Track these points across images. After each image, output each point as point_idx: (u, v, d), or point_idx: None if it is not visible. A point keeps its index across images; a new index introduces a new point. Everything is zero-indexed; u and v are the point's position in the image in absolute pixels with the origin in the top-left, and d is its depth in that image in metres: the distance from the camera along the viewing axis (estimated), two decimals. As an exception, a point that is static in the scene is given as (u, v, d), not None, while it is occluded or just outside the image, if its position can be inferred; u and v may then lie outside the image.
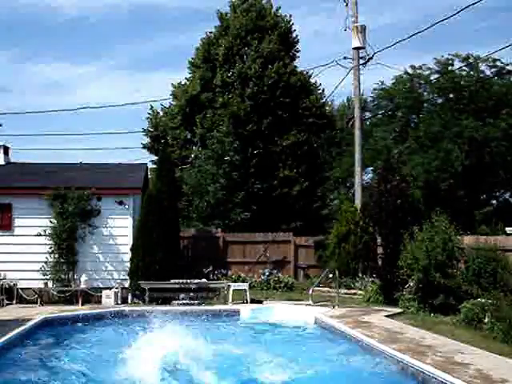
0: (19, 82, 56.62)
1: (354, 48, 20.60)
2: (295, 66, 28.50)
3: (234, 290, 15.50)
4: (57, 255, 16.09)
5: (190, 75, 29.45)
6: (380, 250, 16.51)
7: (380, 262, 16.17)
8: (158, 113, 29.99)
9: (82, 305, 15.11)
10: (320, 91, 29.87)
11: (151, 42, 54.54)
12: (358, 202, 19.94)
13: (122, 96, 51.40)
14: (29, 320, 11.88)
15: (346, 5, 20.89)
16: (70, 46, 53.24)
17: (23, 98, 53.66)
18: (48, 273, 16.00)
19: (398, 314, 13.12)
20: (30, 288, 15.66)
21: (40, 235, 16.03)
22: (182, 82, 29.40)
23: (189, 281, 15.53)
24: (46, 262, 16.04)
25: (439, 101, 28.80)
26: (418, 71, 28.40)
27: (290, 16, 29.22)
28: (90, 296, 15.57)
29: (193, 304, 15.02)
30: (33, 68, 54.60)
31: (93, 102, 49.59)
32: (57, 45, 56.32)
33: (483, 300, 11.58)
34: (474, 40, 49.67)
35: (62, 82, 58.17)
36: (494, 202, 30.49)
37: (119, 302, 15.41)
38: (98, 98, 53.14)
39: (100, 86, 56.44)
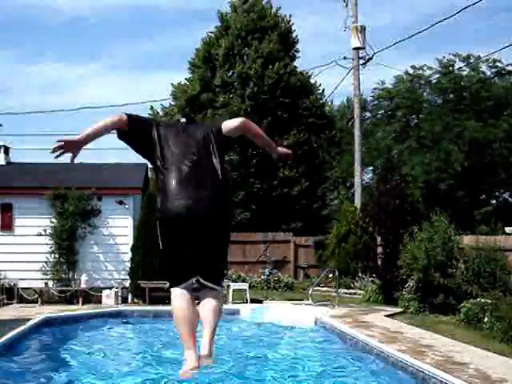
0: (19, 82, 56.64)
1: (354, 48, 20.63)
2: (295, 67, 28.52)
3: (233, 290, 15.51)
4: (57, 255, 16.10)
5: (189, 75, 29.47)
6: (380, 250, 16.54)
7: (380, 262, 16.20)
8: (158, 113, 30.02)
9: (83, 305, 15.12)
10: (320, 91, 29.89)
11: (152, 42, 54.53)
12: (357, 202, 19.96)
13: (122, 96, 51.44)
14: (29, 320, 11.88)
15: (346, 5, 20.94)
16: (70, 46, 53.17)
17: (23, 97, 53.64)
18: (48, 273, 16.01)
19: (398, 313, 13.13)
20: (31, 288, 15.67)
21: (40, 235, 16.04)
22: (182, 82, 29.43)
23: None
24: (46, 262, 16.05)
25: (439, 101, 28.86)
26: (419, 71, 28.45)
27: (290, 16, 29.27)
28: (91, 296, 15.58)
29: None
30: (32, 68, 54.59)
31: (93, 102, 49.64)
32: (56, 45, 56.27)
33: (483, 300, 11.60)
34: (474, 40, 49.68)
35: (61, 82, 58.14)
36: (494, 201, 30.53)
37: (119, 302, 15.43)
38: (98, 97, 53.13)
39: (100, 85, 56.39)
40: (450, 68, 27.25)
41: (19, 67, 54.06)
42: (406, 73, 28.46)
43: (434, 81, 27.73)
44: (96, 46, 55.01)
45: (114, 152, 67.02)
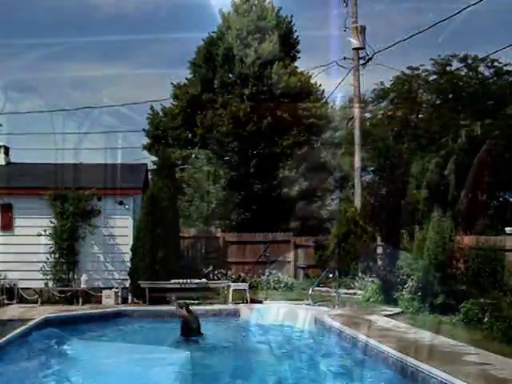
0: (46, 81, 55.58)
1: (354, 48, 20.63)
2: (295, 67, 28.52)
3: (233, 290, 15.51)
4: (57, 255, 16.09)
5: (190, 75, 29.45)
6: (380, 250, 16.54)
7: (380, 262, 16.19)
8: (158, 113, 29.99)
9: (83, 305, 15.11)
10: (320, 92, 29.90)
11: (182, 41, 53.01)
12: (357, 202, 19.95)
13: (148, 95, 50.19)
14: (29, 320, 11.90)
15: (346, 5, 20.93)
16: (100, 46, 51.85)
17: (47, 97, 52.62)
18: (48, 273, 16.01)
19: (398, 313, 13.13)
20: (31, 288, 15.65)
21: (40, 235, 16.03)
22: (182, 83, 29.41)
23: (189, 281, 15.53)
24: (46, 262, 16.04)
25: (438, 102, 28.87)
26: (416, 72, 28.46)
27: (291, 17, 29.25)
28: (91, 296, 15.57)
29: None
30: (60, 67, 53.56)
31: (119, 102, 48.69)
32: (87, 44, 54.76)
33: (483, 300, 11.60)
34: (474, 40, 49.58)
35: (88, 82, 56.82)
36: (494, 202, 30.51)
37: (119, 302, 15.42)
38: (123, 97, 52.03)
39: (126, 85, 55.26)
40: (448, 68, 27.25)
41: (48, 66, 52.90)
42: (403, 73, 28.46)
43: (431, 81, 27.72)
44: (126, 45, 53.32)
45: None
